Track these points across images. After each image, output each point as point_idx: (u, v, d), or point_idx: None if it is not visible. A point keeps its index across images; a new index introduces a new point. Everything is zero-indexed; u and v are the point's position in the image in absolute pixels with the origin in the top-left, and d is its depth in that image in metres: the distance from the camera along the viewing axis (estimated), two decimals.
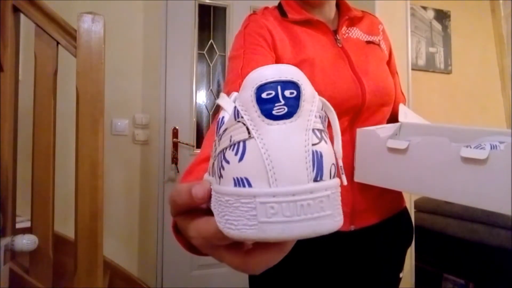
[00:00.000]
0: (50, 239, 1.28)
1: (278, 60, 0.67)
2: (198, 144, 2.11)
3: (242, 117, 0.21)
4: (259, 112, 0.20)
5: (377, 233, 0.71)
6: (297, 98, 0.21)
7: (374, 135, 0.63)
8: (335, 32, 0.74)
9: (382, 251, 0.73)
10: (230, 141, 0.22)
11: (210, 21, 2.17)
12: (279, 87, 0.20)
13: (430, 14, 2.56)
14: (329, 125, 0.26)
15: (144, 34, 2.01)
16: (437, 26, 2.57)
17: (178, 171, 2.03)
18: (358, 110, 0.68)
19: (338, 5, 0.79)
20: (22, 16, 1.30)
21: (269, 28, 0.69)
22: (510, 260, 1.64)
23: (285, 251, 0.25)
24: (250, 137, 0.21)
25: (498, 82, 2.77)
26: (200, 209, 0.28)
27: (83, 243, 1.24)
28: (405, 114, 0.76)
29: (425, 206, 2.07)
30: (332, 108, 0.25)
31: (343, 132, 0.69)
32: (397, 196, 0.77)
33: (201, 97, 2.15)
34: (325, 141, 0.21)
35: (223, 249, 0.26)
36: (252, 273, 0.27)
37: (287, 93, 0.20)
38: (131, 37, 1.99)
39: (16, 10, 1.27)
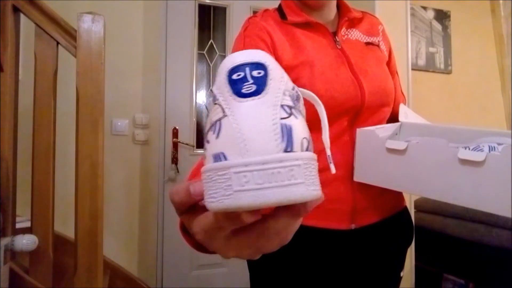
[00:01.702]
0: (50, 239, 1.28)
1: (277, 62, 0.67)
2: (198, 144, 2.11)
3: (217, 99, 0.23)
4: (230, 92, 0.22)
5: (378, 232, 0.72)
6: (265, 77, 0.22)
7: (374, 135, 0.64)
8: (335, 33, 0.74)
9: (382, 250, 0.73)
10: (210, 123, 0.23)
11: (210, 21, 2.18)
12: (247, 68, 0.23)
13: (430, 14, 2.56)
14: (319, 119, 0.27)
15: (144, 34, 2.01)
16: (437, 26, 2.57)
17: (178, 171, 2.03)
18: (357, 110, 0.68)
19: (338, 6, 0.79)
20: (22, 16, 1.30)
21: (269, 31, 0.70)
22: (510, 260, 1.64)
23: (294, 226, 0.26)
24: (224, 115, 0.22)
25: (498, 82, 2.77)
26: (202, 206, 0.28)
27: (83, 243, 1.24)
28: (406, 114, 0.77)
29: (425, 206, 2.07)
30: (319, 101, 0.27)
31: (343, 132, 0.69)
32: (397, 195, 0.77)
33: (201, 97, 2.15)
34: (295, 117, 0.22)
35: (226, 238, 0.26)
36: (266, 251, 0.27)
37: (255, 73, 0.22)
38: (131, 37, 1.99)
39: (16, 10, 1.27)
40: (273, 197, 0.20)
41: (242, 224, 0.23)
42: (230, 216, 0.22)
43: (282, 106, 0.22)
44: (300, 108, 0.24)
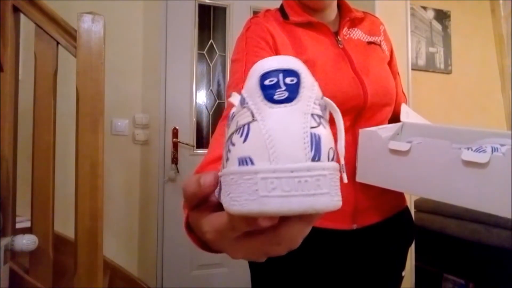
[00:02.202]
0: (50, 239, 1.28)
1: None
2: (198, 144, 2.11)
3: (247, 103, 0.23)
4: (262, 97, 0.22)
5: (379, 232, 0.72)
6: (297, 85, 0.22)
7: (376, 136, 0.64)
8: (336, 33, 0.74)
9: (384, 250, 0.73)
10: (237, 125, 0.23)
11: (210, 21, 2.17)
12: (280, 75, 0.22)
13: (430, 14, 2.56)
14: (334, 124, 0.27)
15: (144, 34, 2.01)
16: (437, 26, 2.57)
17: (178, 171, 2.03)
18: (360, 110, 0.68)
19: (339, 7, 0.80)
20: (22, 16, 1.30)
21: (271, 31, 0.70)
22: (510, 260, 1.64)
23: (306, 228, 0.26)
24: (253, 119, 0.22)
25: (498, 82, 2.77)
26: (213, 204, 0.28)
27: (83, 243, 1.24)
28: (407, 114, 0.77)
29: (425, 206, 2.07)
30: (337, 109, 0.26)
31: (345, 132, 0.69)
32: (399, 195, 0.77)
33: (201, 97, 2.15)
34: (324, 126, 0.23)
35: (237, 240, 0.26)
36: (275, 254, 0.28)
37: (288, 80, 0.22)
38: (131, 37, 1.98)
39: (16, 10, 1.26)
40: (298, 205, 0.20)
41: (257, 228, 0.23)
42: (247, 219, 0.22)
43: (312, 115, 0.22)
44: (327, 117, 0.24)
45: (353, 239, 0.69)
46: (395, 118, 0.78)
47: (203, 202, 0.29)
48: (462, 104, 2.62)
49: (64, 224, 1.64)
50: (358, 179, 0.67)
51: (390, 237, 0.74)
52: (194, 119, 2.11)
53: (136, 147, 1.98)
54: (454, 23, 2.62)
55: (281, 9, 0.76)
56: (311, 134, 0.21)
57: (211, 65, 2.17)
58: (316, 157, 0.21)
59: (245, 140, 0.22)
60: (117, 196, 1.94)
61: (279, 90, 0.22)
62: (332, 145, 0.23)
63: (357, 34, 0.77)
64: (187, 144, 2.06)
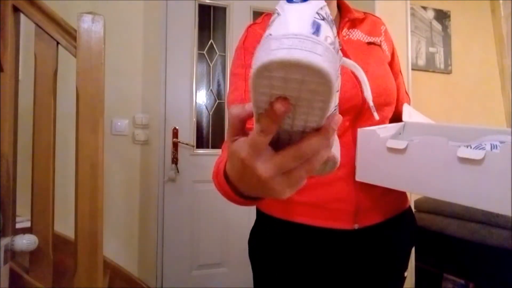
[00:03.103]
0: (50, 239, 1.28)
1: None
2: (198, 144, 2.11)
3: (276, 9, 0.32)
4: (285, 1, 0.31)
5: (381, 232, 0.72)
6: None
7: (375, 135, 0.64)
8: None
9: (386, 250, 0.73)
10: (270, 23, 0.31)
11: (210, 21, 2.18)
12: None
13: (430, 14, 2.56)
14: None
15: (144, 34, 2.01)
16: (437, 26, 2.58)
17: (178, 171, 2.03)
18: (359, 110, 0.68)
19: (339, 7, 0.80)
20: (22, 16, 1.30)
21: None
22: (510, 260, 1.64)
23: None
24: (278, 15, 0.31)
25: (498, 82, 2.77)
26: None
27: (83, 243, 1.24)
28: (409, 114, 0.77)
29: (425, 206, 2.07)
30: (358, 67, 0.39)
31: (344, 133, 0.69)
32: (401, 196, 0.77)
33: (201, 97, 2.15)
34: (326, 22, 0.30)
35: (270, 158, 0.32)
36: (294, 182, 0.33)
37: None
38: (131, 37, 1.99)
39: (16, 10, 1.27)
40: (299, 55, 0.26)
41: (276, 118, 0.28)
42: (269, 114, 0.29)
43: (318, 13, 0.29)
44: (330, 20, 0.31)
45: (354, 239, 0.69)
46: (397, 118, 0.78)
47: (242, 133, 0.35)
48: (462, 104, 2.62)
49: (64, 224, 1.64)
50: (358, 178, 0.67)
51: (391, 238, 0.74)
52: (194, 119, 2.11)
53: (136, 147, 1.99)
54: (454, 23, 2.62)
55: None
56: (313, 21, 0.29)
57: (211, 65, 2.17)
58: (315, 34, 0.28)
59: (270, 26, 0.30)
60: (117, 196, 1.94)
61: None
62: (330, 34, 0.29)
63: (357, 34, 0.77)
64: (187, 144, 2.06)
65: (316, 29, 0.28)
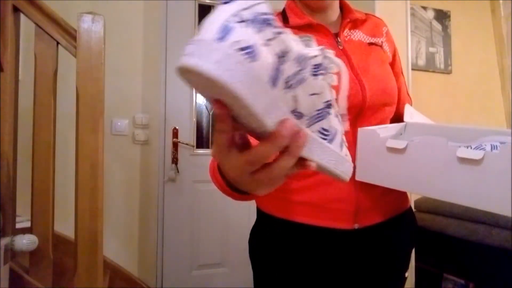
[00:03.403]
0: (50, 239, 1.28)
1: None
2: (198, 144, 2.11)
3: None
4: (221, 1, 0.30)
5: (382, 232, 0.72)
6: None
7: (375, 134, 0.64)
8: (337, 34, 0.74)
9: (386, 250, 0.73)
10: None
11: None
12: None
13: (430, 14, 2.56)
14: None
15: (144, 34, 2.01)
16: (437, 26, 2.58)
17: (178, 171, 2.03)
18: (359, 109, 0.69)
19: (341, 8, 0.80)
20: (22, 16, 1.30)
21: None
22: (510, 260, 1.64)
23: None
24: None
25: (498, 82, 2.77)
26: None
27: (83, 243, 1.24)
28: (411, 114, 0.77)
29: (425, 206, 2.07)
30: (344, 68, 0.37)
31: (345, 132, 0.69)
32: (401, 196, 0.77)
33: (201, 97, 2.15)
34: (247, 24, 0.28)
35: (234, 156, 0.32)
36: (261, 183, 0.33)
37: None
38: (131, 37, 1.99)
39: (16, 10, 1.27)
40: (187, 62, 0.26)
41: (217, 118, 0.30)
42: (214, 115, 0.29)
43: (237, 15, 0.28)
44: (258, 25, 0.29)
45: (354, 239, 0.69)
46: (399, 119, 0.78)
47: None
48: (462, 104, 2.62)
49: (64, 224, 1.64)
50: (358, 177, 0.67)
51: (391, 238, 0.74)
52: (194, 119, 2.11)
53: (136, 147, 1.99)
54: (454, 23, 2.62)
55: (283, 13, 0.77)
56: (224, 25, 0.27)
57: None
58: (220, 40, 0.27)
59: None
60: (117, 196, 1.94)
61: None
62: (245, 37, 0.28)
63: (358, 35, 0.77)
64: (187, 144, 2.06)
65: (224, 34, 0.27)
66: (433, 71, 2.55)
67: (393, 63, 0.82)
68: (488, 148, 0.52)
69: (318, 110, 0.35)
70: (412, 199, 1.91)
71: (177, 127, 2.05)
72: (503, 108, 2.75)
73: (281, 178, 0.33)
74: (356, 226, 0.69)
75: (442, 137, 0.55)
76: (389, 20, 0.90)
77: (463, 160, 0.51)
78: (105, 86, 1.31)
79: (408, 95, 0.88)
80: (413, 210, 2.04)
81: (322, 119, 0.36)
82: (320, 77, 0.34)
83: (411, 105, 0.84)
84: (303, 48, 0.32)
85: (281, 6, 0.80)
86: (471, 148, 0.53)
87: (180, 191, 2.06)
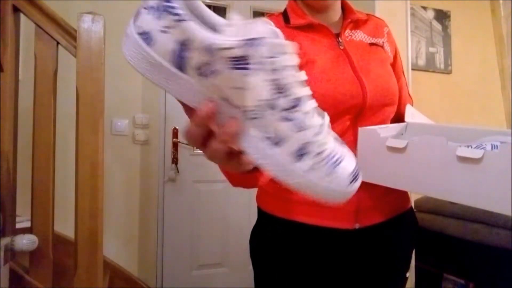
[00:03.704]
0: (50, 239, 1.28)
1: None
2: None
3: None
4: None
5: (382, 232, 0.71)
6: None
7: (375, 134, 0.64)
8: (338, 34, 0.74)
9: (387, 250, 0.73)
10: None
11: None
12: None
13: (430, 14, 2.56)
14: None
15: None
16: (437, 26, 2.58)
17: (178, 171, 2.03)
18: (359, 109, 0.69)
19: (343, 8, 0.80)
20: (22, 16, 1.30)
21: None
22: (510, 260, 1.64)
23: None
24: None
25: (498, 82, 2.77)
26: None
27: (83, 243, 1.24)
28: (412, 114, 0.77)
29: (425, 206, 2.07)
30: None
31: (345, 132, 0.69)
32: (403, 196, 0.77)
33: None
34: (150, 11, 0.31)
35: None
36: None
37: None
38: None
39: (16, 10, 1.27)
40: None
41: None
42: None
43: (145, 2, 0.31)
44: (157, 12, 0.31)
45: (355, 238, 0.69)
46: (400, 119, 0.78)
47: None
48: (462, 104, 2.62)
49: (64, 224, 1.64)
50: None
51: (392, 238, 0.74)
52: None
53: (136, 147, 1.98)
54: (454, 23, 2.62)
55: (284, 13, 0.77)
56: (137, 11, 0.32)
57: None
58: (133, 21, 0.32)
59: None
60: (117, 196, 1.94)
61: None
62: (143, 24, 0.31)
63: (359, 35, 0.77)
64: (187, 144, 2.06)
65: (135, 18, 0.31)
66: (433, 71, 2.55)
67: (394, 63, 0.82)
68: (488, 147, 0.52)
69: (253, 106, 0.32)
70: (412, 199, 1.91)
71: (177, 127, 2.05)
72: (503, 108, 2.75)
73: (222, 159, 0.36)
74: (357, 225, 0.69)
75: (441, 136, 0.55)
76: (389, 20, 0.90)
77: (463, 159, 0.51)
78: (105, 86, 1.31)
79: (409, 95, 0.88)
80: (414, 210, 2.04)
81: (259, 118, 0.33)
82: (244, 71, 0.30)
83: (412, 105, 0.84)
84: (214, 38, 0.30)
85: (282, 7, 0.80)
86: (471, 147, 0.53)
87: (180, 191, 2.06)
